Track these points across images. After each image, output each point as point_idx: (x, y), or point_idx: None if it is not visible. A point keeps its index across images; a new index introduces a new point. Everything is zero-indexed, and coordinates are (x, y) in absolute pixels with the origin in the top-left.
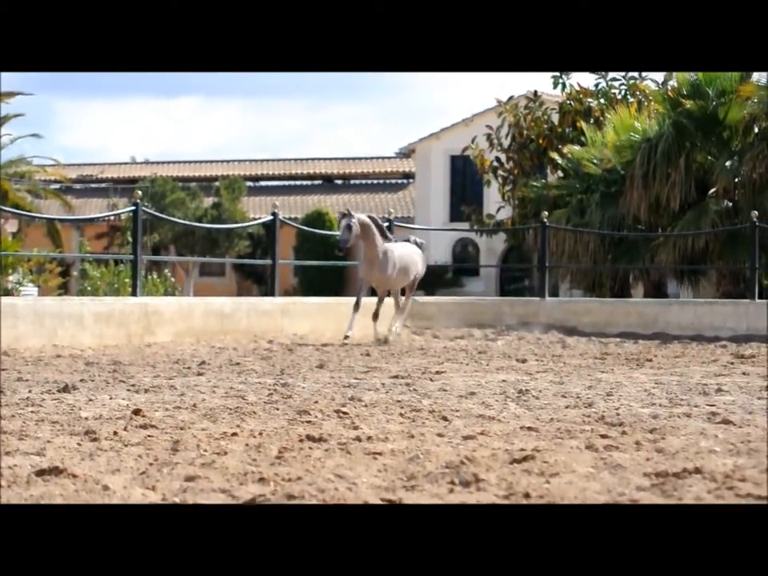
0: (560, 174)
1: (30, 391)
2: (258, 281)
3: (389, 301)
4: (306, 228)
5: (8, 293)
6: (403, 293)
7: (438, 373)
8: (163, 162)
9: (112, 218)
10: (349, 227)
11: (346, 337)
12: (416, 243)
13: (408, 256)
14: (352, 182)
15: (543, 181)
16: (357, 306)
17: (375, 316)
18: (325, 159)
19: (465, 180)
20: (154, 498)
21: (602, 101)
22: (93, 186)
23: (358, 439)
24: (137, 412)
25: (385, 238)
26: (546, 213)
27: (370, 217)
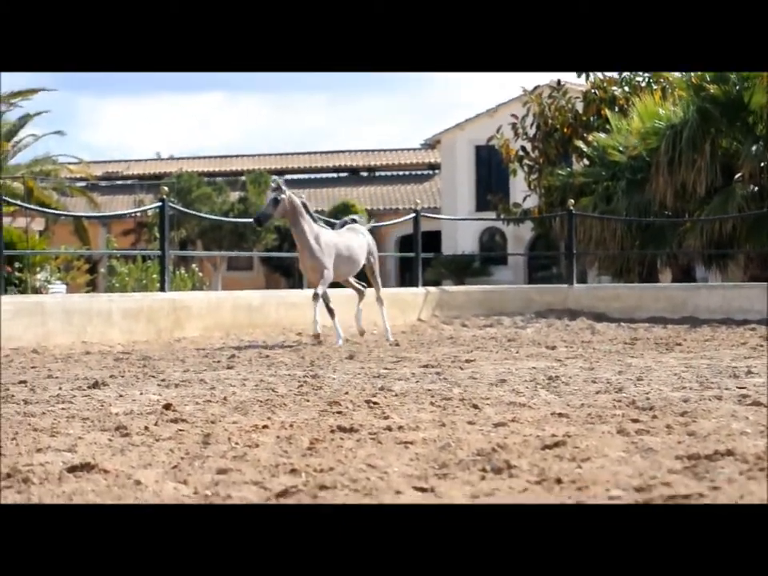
0: (585, 162)
1: (60, 388)
2: (285, 274)
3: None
4: (333, 220)
5: (36, 291)
6: (371, 286)
7: (467, 361)
8: (189, 158)
9: (138, 214)
10: (275, 201)
11: (316, 335)
12: (355, 222)
13: (348, 242)
14: (378, 173)
15: (569, 169)
16: (315, 296)
17: (329, 312)
18: (350, 152)
19: (490, 170)
20: (186, 492)
21: (626, 89)
22: (118, 183)
23: (389, 429)
24: (167, 407)
25: (318, 228)
26: (573, 201)
27: (303, 202)
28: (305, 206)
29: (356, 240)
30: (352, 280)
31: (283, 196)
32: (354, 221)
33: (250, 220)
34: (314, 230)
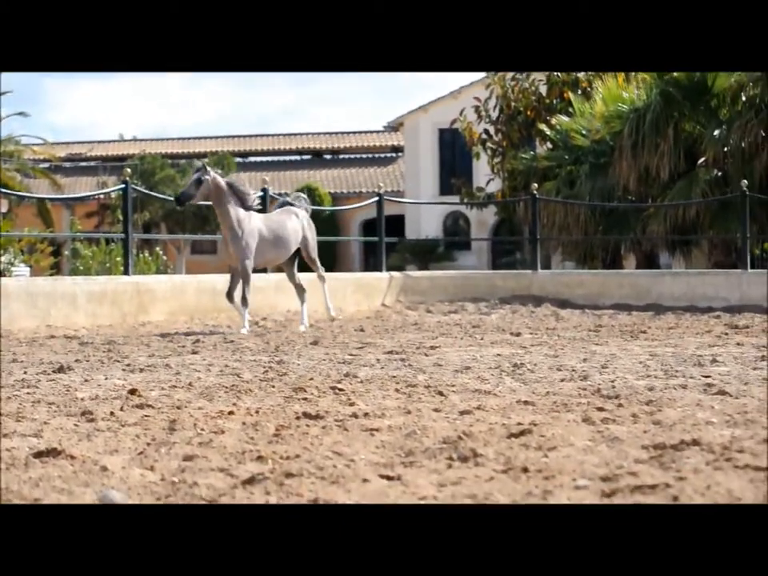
0: (549, 145)
1: (25, 372)
2: None
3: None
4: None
5: (0, 273)
6: (310, 270)
7: (432, 348)
8: (152, 140)
9: (102, 196)
10: (198, 181)
11: (248, 330)
12: (293, 202)
13: (277, 225)
14: (341, 156)
15: (532, 153)
16: (228, 294)
17: (228, 295)
18: (314, 134)
19: (454, 153)
20: (152, 478)
21: (588, 72)
22: (82, 164)
23: (355, 416)
24: (133, 392)
25: (246, 208)
26: (536, 185)
27: (229, 183)
28: (231, 186)
29: (288, 223)
30: (295, 275)
31: (207, 177)
32: (287, 203)
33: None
34: (238, 213)
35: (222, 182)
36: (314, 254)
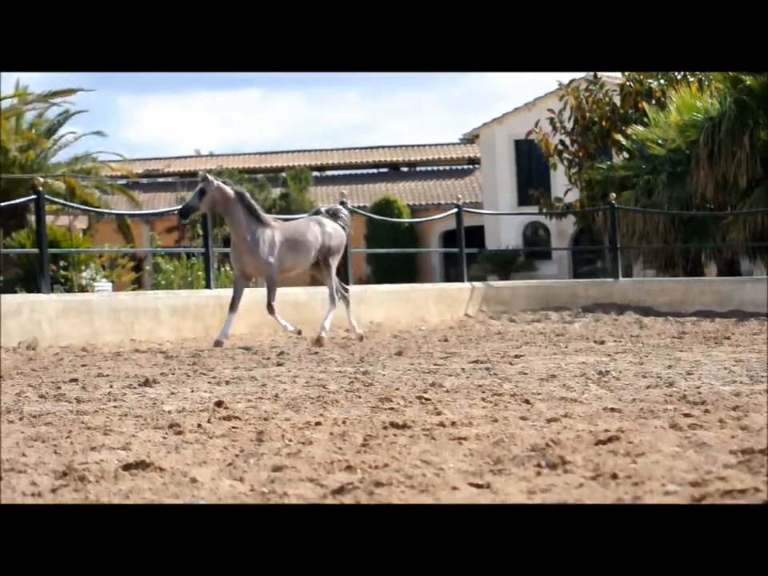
0: (625, 155)
1: (111, 386)
2: None
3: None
4: (375, 216)
5: (83, 289)
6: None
7: (517, 356)
8: (228, 155)
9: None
10: (201, 192)
11: (217, 343)
12: (328, 213)
13: (297, 233)
14: (418, 169)
15: (609, 162)
16: (233, 305)
17: (231, 306)
18: (390, 147)
19: (531, 163)
20: (242, 489)
21: (661, 81)
22: (159, 180)
23: (442, 425)
24: (219, 404)
25: (258, 220)
26: (614, 194)
27: (238, 192)
28: (242, 197)
29: (308, 230)
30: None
31: (212, 187)
32: (319, 212)
33: (293, 217)
34: (250, 221)
35: (228, 189)
36: (332, 263)
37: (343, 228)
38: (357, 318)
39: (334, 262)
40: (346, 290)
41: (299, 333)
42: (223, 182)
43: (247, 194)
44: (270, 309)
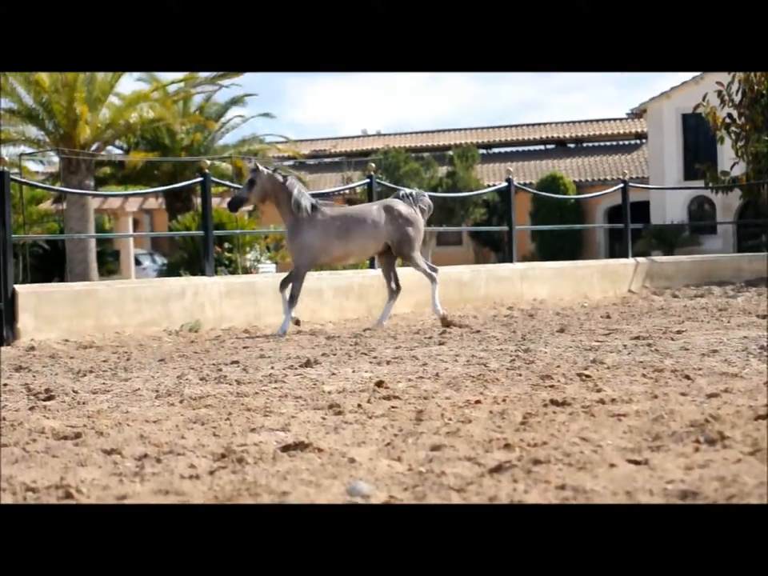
0: None
1: (272, 367)
2: (495, 248)
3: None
4: (541, 193)
5: (247, 271)
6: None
7: (678, 332)
8: (395, 134)
9: (347, 191)
10: (251, 183)
11: (284, 333)
12: (404, 197)
13: (352, 220)
14: (585, 144)
15: None
16: (291, 292)
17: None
18: (557, 123)
19: (697, 138)
20: (400, 469)
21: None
22: (326, 160)
23: (602, 402)
24: (380, 384)
25: (306, 209)
26: None
27: (287, 180)
28: (285, 181)
29: (368, 218)
30: (391, 273)
31: (261, 176)
32: (398, 197)
33: (459, 195)
34: (299, 210)
35: (278, 178)
36: (408, 251)
37: (421, 212)
38: (389, 315)
39: (410, 250)
40: (398, 287)
41: (297, 323)
42: (273, 171)
43: (294, 182)
44: (292, 300)
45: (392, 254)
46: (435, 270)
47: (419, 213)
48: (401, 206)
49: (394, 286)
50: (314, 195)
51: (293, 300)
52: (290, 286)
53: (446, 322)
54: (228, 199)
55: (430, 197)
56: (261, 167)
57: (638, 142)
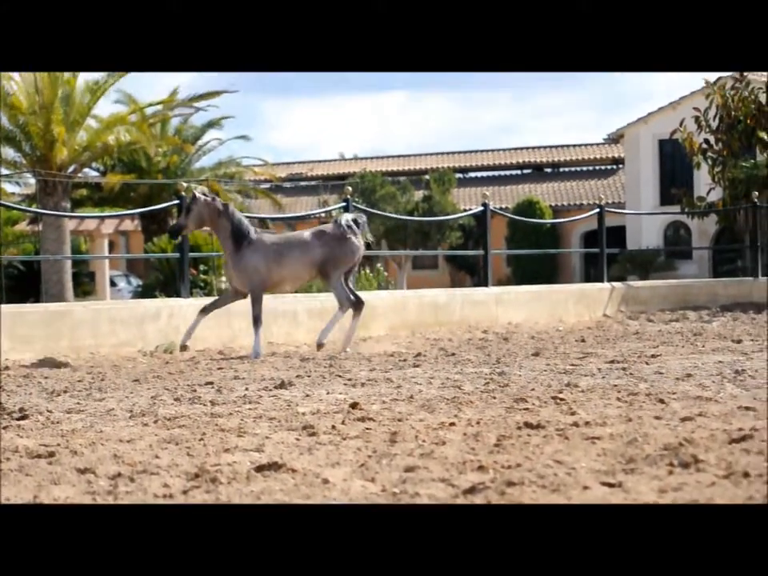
0: None
1: (246, 389)
2: (470, 272)
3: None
4: (517, 217)
5: (221, 293)
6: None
7: (653, 356)
8: (372, 158)
9: (323, 214)
10: (188, 210)
11: (257, 356)
12: (336, 223)
13: (285, 246)
14: (562, 169)
15: (753, 161)
16: (205, 308)
17: (204, 310)
18: (534, 148)
19: (674, 163)
20: (374, 489)
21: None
22: (302, 184)
23: (576, 425)
24: (354, 405)
25: (245, 235)
26: (757, 193)
27: (224, 207)
28: (226, 210)
29: (299, 244)
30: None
31: (198, 203)
32: (335, 222)
33: (435, 219)
34: (239, 236)
35: (216, 205)
36: (332, 272)
37: (350, 238)
38: (354, 337)
39: (334, 272)
40: (360, 302)
41: (183, 348)
42: (211, 198)
43: (233, 209)
44: (256, 323)
45: (348, 272)
46: (353, 303)
47: (353, 237)
48: (333, 232)
49: (354, 299)
50: (290, 218)
51: (256, 322)
52: (251, 309)
53: (319, 349)
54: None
55: (406, 220)
56: (198, 194)
57: (615, 167)
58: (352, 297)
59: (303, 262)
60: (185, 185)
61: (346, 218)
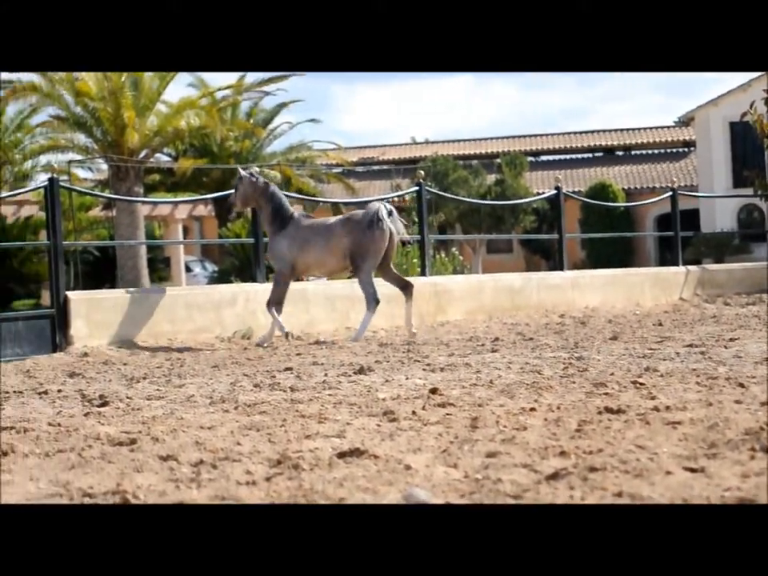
0: None
1: (326, 374)
2: (545, 255)
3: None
4: (590, 201)
5: (298, 278)
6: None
7: (731, 340)
8: (443, 141)
9: (396, 198)
10: (235, 188)
11: (287, 335)
12: (369, 212)
13: (312, 234)
14: (633, 152)
15: None
16: (269, 297)
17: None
18: (605, 131)
19: (746, 145)
20: (456, 476)
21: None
22: (374, 168)
23: (656, 409)
24: (434, 391)
25: (283, 218)
26: None
27: (266, 186)
28: (267, 190)
29: (326, 233)
30: (393, 278)
31: (243, 182)
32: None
33: (509, 202)
34: (278, 218)
35: (258, 184)
36: (361, 264)
37: (376, 227)
38: (413, 319)
39: (363, 265)
40: (407, 284)
41: (287, 336)
42: (255, 178)
43: (275, 189)
44: (269, 305)
45: (383, 261)
46: (377, 301)
47: (379, 226)
48: (357, 217)
49: (402, 285)
50: (364, 202)
51: (270, 305)
52: (270, 302)
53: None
54: None
55: (480, 204)
56: (243, 173)
57: (686, 149)
58: (398, 282)
59: (328, 249)
60: (257, 169)
61: (376, 206)
